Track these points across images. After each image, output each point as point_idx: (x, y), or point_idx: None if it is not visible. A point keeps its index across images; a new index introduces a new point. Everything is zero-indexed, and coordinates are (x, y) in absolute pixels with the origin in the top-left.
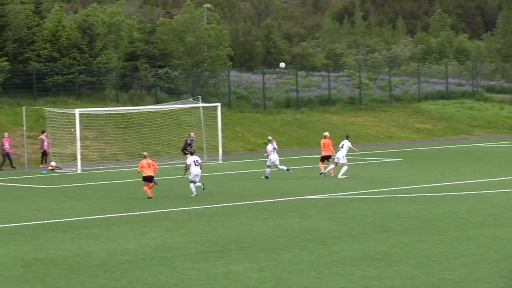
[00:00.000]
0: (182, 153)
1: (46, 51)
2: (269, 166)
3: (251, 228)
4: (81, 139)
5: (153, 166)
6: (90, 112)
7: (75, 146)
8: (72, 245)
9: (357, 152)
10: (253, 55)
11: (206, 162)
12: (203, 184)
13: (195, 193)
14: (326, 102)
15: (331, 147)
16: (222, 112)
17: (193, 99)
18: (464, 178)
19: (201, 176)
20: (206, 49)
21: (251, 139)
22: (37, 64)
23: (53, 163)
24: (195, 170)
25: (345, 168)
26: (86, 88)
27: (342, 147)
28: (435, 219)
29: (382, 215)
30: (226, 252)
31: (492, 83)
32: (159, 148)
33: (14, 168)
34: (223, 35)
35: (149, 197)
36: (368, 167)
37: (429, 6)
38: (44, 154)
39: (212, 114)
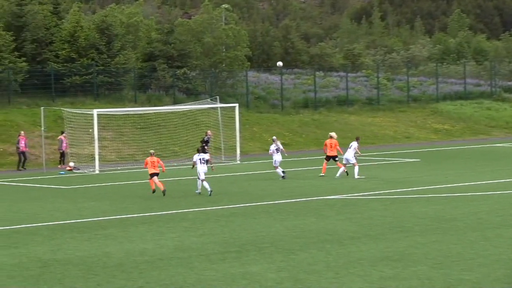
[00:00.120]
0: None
1: (64, 51)
2: (276, 167)
3: (269, 229)
4: (99, 140)
5: (159, 163)
6: (108, 113)
7: (93, 146)
8: (90, 246)
9: (359, 155)
10: (271, 56)
11: (224, 163)
12: (211, 190)
13: (198, 191)
14: (344, 102)
15: (338, 147)
16: (240, 113)
17: (211, 100)
18: (482, 178)
19: (220, 177)
20: (224, 50)
21: (269, 139)
22: (55, 64)
23: (71, 164)
24: (201, 168)
25: (356, 168)
26: (104, 88)
27: (350, 148)
28: (453, 220)
29: (400, 215)
30: (244, 252)
31: (510, 83)
32: (176, 148)
33: (25, 169)
34: (241, 35)
35: (153, 191)
36: (386, 168)
37: (447, 6)
38: (63, 154)
39: (230, 114)
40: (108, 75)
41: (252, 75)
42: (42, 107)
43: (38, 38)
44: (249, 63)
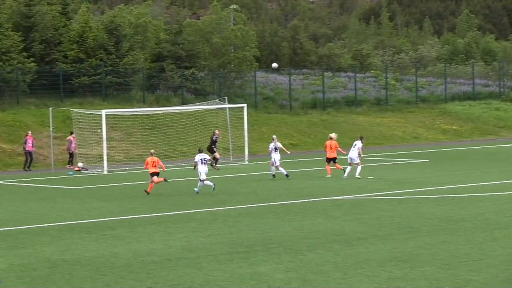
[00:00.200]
0: (209, 152)
1: (73, 52)
2: (280, 166)
3: (276, 229)
4: (107, 140)
5: (159, 164)
6: (117, 113)
7: (102, 147)
8: (98, 246)
9: (362, 156)
10: (279, 56)
11: (232, 163)
12: (214, 184)
13: (197, 190)
14: (352, 103)
15: (339, 148)
16: (248, 113)
17: (220, 100)
18: (490, 179)
19: (228, 177)
20: (232, 50)
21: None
22: (64, 65)
23: (80, 164)
24: (202, 168)
25: (359, 168)
26: (113, 89)
27: (354, 147)
28: (461, 220)
29: (407, 216)
30: (252, 253)
31: None
32: (185, 149)
33: (30, 170)
34: (249, 36)
35: (148, 193)
36: (394, 168)
37: (456, 7)
38: (72, 155)
39: (238, 115)
40: (116, 75)
41: (260, 75)
42: (50, 108)
43: (46, 39)
44: (257, 63)
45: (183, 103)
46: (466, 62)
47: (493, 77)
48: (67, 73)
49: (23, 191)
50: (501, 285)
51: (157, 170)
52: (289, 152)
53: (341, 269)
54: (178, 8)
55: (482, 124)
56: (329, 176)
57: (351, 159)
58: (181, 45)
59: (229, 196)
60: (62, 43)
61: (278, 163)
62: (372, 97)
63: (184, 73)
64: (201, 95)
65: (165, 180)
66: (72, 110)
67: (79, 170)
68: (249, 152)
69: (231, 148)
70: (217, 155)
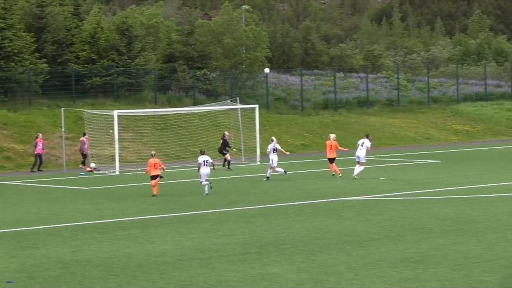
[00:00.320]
0: (220, 154)
1: (84, 53)
2: (277, 167)
3: (288, 230)
4: (119, 141)
5: (160, 165)
6: (128, 114)
7: (114, 147)
8: (110, 247)
9: (370, 152)
10: (291, 57)
11: (244, 164)
12: (210, 182)
13: (207, 192)
14: (364, 103)
15: (339, 147)
16: (260, 114)
17: (231, 101)
18: (502, 179)
19: (240, 178)
20: (244, 51)
21: (289, 140)
22: (76, 66)
23: (92, 164)
24: (204, 170)
25: (362, 168)
26: (125, 89)
27: (362, 146)
28: (473, 221)
29: (419, 217)
30: (264, 253)
31: None
32: (196, 149)
33: (41, 171)
34: (261, 36)
35: (154, 195)
36: (406, 169)
37: (468, 7)
38: (85, 156)
39: (250, 115)
40: (128, 76)
41: (272, 76)
42: (62, 108)
43: (58, 39)
44: (269, 64)
45: (195, 103)
46: (478, 63)
47: (505, 77)
48: (79, 73)
49: (35, 191)
50: None
51: (158, 172)
52: (287, 153)
53: (353, 270)
54: (189, 8)
55: (494, 124)
56: (340, 175)
57: (358, 157)
58: (192, 46)
59: (241, 196)
60: (74, 44)
61: (275, 164)
62: (384, 97)
63: (196, 73)
64: (212, 96)
65: (160, 177)
66: (84, 111)
67: (91, 171)
68: (260, 152)
69: (242, 149)
70: (228, 156)
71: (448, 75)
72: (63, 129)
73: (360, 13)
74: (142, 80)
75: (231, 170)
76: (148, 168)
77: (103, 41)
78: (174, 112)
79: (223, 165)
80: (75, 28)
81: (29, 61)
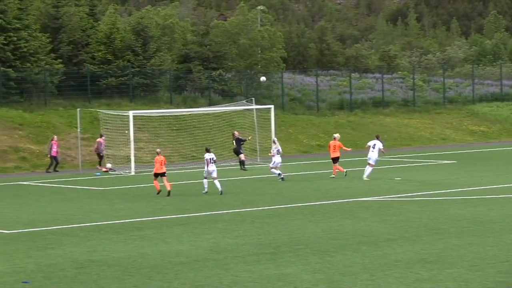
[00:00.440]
0: (235, 155)
1: (100, 53)
2: (272, 168)
3: (304, 230)
4: (134, 141)
5: (165, 162)
6: (144, 114)
7: (129, 148)
8: (126, 247)
9: (384, 152)
10: (306, 57)
11: (259, 164)
12: (221, 189)
13: (205, 190)
14: (379, 104)
15: (344, 147)
16: (275, 114)
17: (247, 101)
18: None
19: (255, 179)
20: (259, 51)
21: (305, 141)
22: (92, 66)
23: (108, 165)
24: (209, 168)
25: (371, 169)
26: (140, 90)
27: (374, 148)
28: (489, 222)
29: (435, 217)
30: (279, 254)
31: None
32: (212, 150)
33: (57, 171)
34: (276, 37)
35: (158, 193)
36: (421, 170)
37: (484, 8)
38: (101, 156)
39: (265, 116)
40: (143, 76)
41: (287, 76)
42: (78, 109)
43: (74, 40)
44: (284, 64)
45: (210, 104)
46: (494, 63)
47: None
48: (94, 74)
49: (51, 192)
50: None
51: (163, 170)
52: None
53: (368, 271)
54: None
55: (510, 125)
56: (345, 174)
57: (370, 158)
58: (208, 46)
59: (256, 197)
60: (90, 44)
61: (277, 166)
62: (400, 98)
63: (211, 74)
64: (228, 96)
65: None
66: (99, 111)
67: (106, 171)
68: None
69: (258, 149)
70: (242, 156)
71: (464, 76)
72: (78, 130)
73: (376, 14)
74: (157, 81)
75: (246, 170)
76: (156, 166)
77: (119, 42)
78: (189, 113)
79: (241, 168)
80: (90, 28)
81: (44, 62)
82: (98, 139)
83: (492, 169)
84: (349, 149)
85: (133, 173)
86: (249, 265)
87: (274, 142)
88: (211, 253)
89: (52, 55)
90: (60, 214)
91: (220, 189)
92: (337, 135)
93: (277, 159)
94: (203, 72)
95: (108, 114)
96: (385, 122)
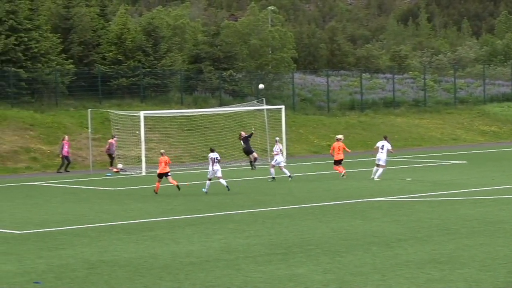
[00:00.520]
0: (246, 155)
1: (111, 53)
2: (273, 166)
3: (315, 231)
4: (145, 142)
5: (169, 162)
6: (155, 115)
7: (140, 148)
8: (137, 247)
9: (392, 152)
10: (317, 57)
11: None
12: (228, 186)
13: (205, 190)
14: (390, 104)
15: (346, 149)
16: (286, 115)
17: (257, 102)
18: None
19: (266, 179)
20: (270, 52)
21: (315, 141)
22: (102, 66)
23: (119, 165)
24: (214, 167)
25: (381, 170)
26: (151, 90)
27: (382, 149)
28: (500, 222)
29: (446, 217)
30: (290, 254)
31: None
32: (223, 150)
33: (68, 171)
34: (287, 37)
35: (156, 193)
36: (432, 170)
37: (495, 8)
38: (112, 157)
39: (276, 116)
40: (154, 77)
41: (298, 77)
42: (89, 109)
43: (85, 40)
44: (295, 65)
45: (221, 104)
46: (505, 63)
47: None
48: (105, 74)
49: (62, 192)
50: None
51: (167, 170)
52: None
53: (379, 271)
54: (216, 9)
55: None
56: (344, 176)
57: (379, 160)
58: (219, 47)
59: (267, 197)
60: (101, 45)
61: (282, 164)
62: (410, 98)
63: (222, 74)
64: (239, 97)
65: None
66: (110, 112)
67: (117, 171)
68: (287, 153)
69: (269, 150)
70: (255, 154)
71: (475, 76)
72: (89, 130)
73: (387, 14)
74: (168, 81)
75: (255, 169)
76: (160, 166)
77: (130, 42)
78: (200, 113)
79: (252, 168)
80: (101, 29)
81: (55, 62)
82: (110, 140)
83: (503, 169)
84: (349, 150)
85: (144, 174)
86: (260, 265)
87: (276, 141)
88: (222, 254)
89: (63, 55)
90: (71, 214)
91: (225, 185)
92: (341, 136)
93: (279, 158)
94: (213, 72)
95: (119, 114)
96: (396, 122)
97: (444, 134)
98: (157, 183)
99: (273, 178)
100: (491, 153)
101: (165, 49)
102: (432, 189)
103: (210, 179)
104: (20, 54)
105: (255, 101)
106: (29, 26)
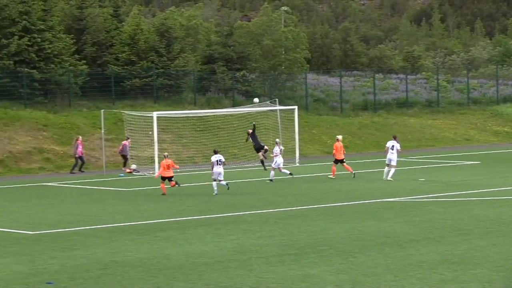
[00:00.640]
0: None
1: (124, 54)
2: (274, 169)
3: (327, 231)
4: (158, 142)
5: (173, 166)
6: (168, 115)
7: (153, 149)
8: (149, 248)
9: (400, 151)
10: (330, 58)
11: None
12: (227, 184)
13: (215, 192)
14: (403, 104)
15: (343, 149)
16: (299, 115)
17: (270, 102)
18: None
19: (279, 179)
20: (283, 52)
21: (328, 141)
22: (116, 67)
23: (133, 166)
24: (217, 169)
25: (393, 170)
26: (164, 91)
27: (392, 149)
28: None
29: (459, 218)
30: (303, 255)
31: None
32: (235, 151)
33: (82, 172)
34: (300, 38)
35: (163, 194)
36: (445, 170)
37: (508, 8)
38: (126, 158)
39: (289, 116)
40: (167, 77)
41: (311, 77)
42: (102, 110)
43: (98, 41)
44: (308, 65)
45: (234, 105)
46: None
47: None
48: (118, 75)
49: (75, 193)
50: None
51: (170, 174)
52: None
53: (392, 272)
54: (229, 10)
55: None
56: (333, 177)
57: (390, 160)
58: (232, 47)
59: (280, 198)
60: (114, 46)
61: (281, 166)
62: (424, 99)
63: (235, 75)
64: (252, 97)
65: (177, 184)
66: (123, 112)
67: (130, 172)
68: (300, 154)
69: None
70: (266, 147)
71: (488, 76)
72: (102, 131)
73: (400, 14)
74: (181, 82)
75: (267, 170)
76: (160, 170)
77: (143, 43)
78: (213, 114)
79: (264, 168)
80: (114, 29)
81: (69, 63)
82: (124, 142)
83: None
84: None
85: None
86: (273, 266)
87: (276, 143)
88: (235, 254)
89: (76, 56)
90: (84, 215)
91: (225, 184)
92: (340, 136)
93: (279, 159)
94: (227, 73)
95: (132, 115)
96: (409, 123)
97: (457, 135)
98: (161, 185)
99: (271, 180)
100: (504, 153)
101: (178, 50)
102: (445, 190)
103: (215, 180)
104: (34, 55)
105: (268, 102)
106: (42, 27)
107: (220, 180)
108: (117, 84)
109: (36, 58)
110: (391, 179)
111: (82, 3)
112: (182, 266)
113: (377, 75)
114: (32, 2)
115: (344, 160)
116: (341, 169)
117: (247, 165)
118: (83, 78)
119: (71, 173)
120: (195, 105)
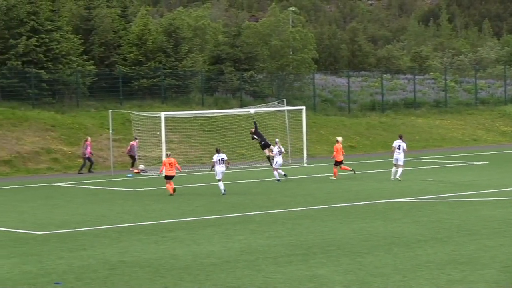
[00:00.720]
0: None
1: (132, 54)
2: (275, 169)
3: (335, 232)
4: (166, 142)
5: (176, 165)
6: (176, 116)
7: (161, 149)
8: (157, 248)
9: (406, 151)
10: (338, 58)
11: (291, 165)
12: (225, 190)
13: (223, 192)
14: (411, 105)
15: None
16: (306, 115)
17: (278, 102)
18: None
19: (287, 180)
20: (291, 52)
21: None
22: (123, 67)
23: (141, 166)
24: (219, 168)
25: (401, 169)
26: (172, 91)
27: (399, 149)
28: None
29: (467, 218)
30: (311, 255)
31: None
32: (243, 151)
33: (91, 172)
34: (308, 38)
35: (171, 194)
36: (453, 170)
37: None
38: (134, 158)
39: (297, 117)
40: (175, 78)
41: (319, 77)
42: (110, 110)
43: (106, 41)
44: (316, 65)
45: (242, 105)
46: None
47: None
48: (126, 75)
49: (83, 193)
50: None
51: (173, 173)
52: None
53: (400, 272)
54: (236, 10)
55: None
56: (334, 178)
57: (397, 160)
58: (239, 48)
59: (288, 198)
60: (122, 46)
61: (278, 166)
62: (431, 99)
63: (243, 75)
64: (259, 98)
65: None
66: (131, 113)
67: (138, 172)
68: (307, 154)
69: (289, 150)
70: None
71: (496, 76)
72: (110, 131)
73: (407, 14)
74: (189, 82)
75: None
76: (162, 167)
77: (151, 43)
78: (221, 114)
79: (271, 165)
80: (122, 30)
81: (76, 63)
82: (132, 142)
83: None
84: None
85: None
86: (281, 266)
87: (276, 143)
88: (243, 254)
89: (84, 56)
90: (92, 215)
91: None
92: (340, 139)
93: (279, 160)
94: (234, 73)
95: (139, 115)
96: (417, 123)
97: (465, 135)
98: (167, 185)
99: (278, 180)
100: None
101: (186, 50)
102: (453, 190)
103: (220, 180)
104: (41, 55)
105: (276, 102)
106: (50, 27)
107: (219, 180)
108: (125, 85)
109: (44, 59)
110: (399, 178)
111: (90, 4)
112: (190, 266)
113: (385, 75)
114: (40, 3)
115: (343, 162)
116: (342, 170)
117: (255, 165)
118: (91, 78)
119: (79, 173)
120: (202, 105)
